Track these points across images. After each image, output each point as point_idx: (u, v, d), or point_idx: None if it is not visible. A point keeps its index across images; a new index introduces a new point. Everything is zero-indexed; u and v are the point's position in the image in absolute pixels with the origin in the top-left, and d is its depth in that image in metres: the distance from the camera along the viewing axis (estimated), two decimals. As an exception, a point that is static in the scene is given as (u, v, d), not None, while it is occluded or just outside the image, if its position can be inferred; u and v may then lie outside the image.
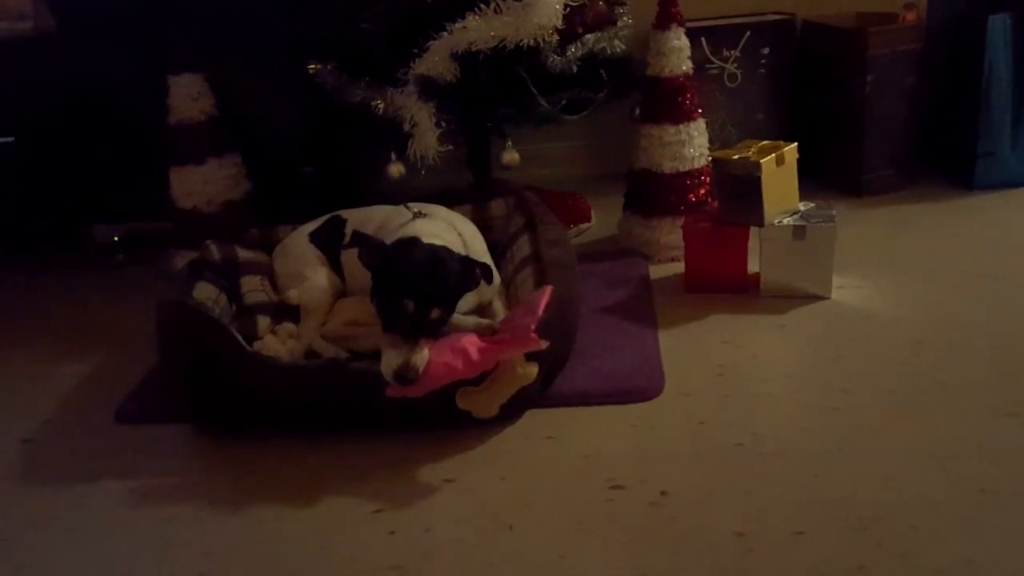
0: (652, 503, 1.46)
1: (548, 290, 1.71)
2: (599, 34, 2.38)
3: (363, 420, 1.72)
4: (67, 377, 2.08)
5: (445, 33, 2.15)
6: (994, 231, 2.44)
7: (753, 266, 2.17)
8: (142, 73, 2.58)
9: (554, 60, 2.27)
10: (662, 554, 1.34)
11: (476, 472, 1.59)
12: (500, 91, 2.31)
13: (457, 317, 1.78)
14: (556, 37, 2.21)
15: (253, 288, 2.08)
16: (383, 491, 1.55)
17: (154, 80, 2.47)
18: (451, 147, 2.24)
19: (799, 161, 2.17)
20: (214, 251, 2.09)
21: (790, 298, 2.11)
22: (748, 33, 2.81)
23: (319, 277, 2.02)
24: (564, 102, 2.37)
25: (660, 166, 2.40)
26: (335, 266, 2.07)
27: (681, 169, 2.39)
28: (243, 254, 2.15)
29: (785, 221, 2.10)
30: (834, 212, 2.12)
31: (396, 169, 2.35)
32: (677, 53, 2.37)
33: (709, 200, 2.40)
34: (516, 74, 2.24)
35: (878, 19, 2.76)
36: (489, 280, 1.80)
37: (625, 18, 2.48)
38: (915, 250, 2.36)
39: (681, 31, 2.38)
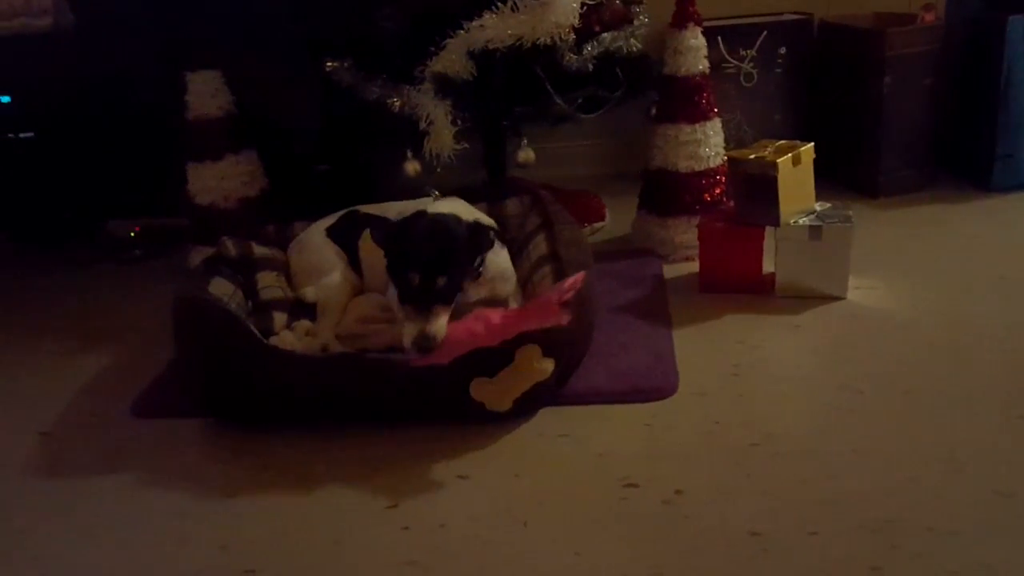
0: (666, 502, 1.46)
1: (581, 275, 1.71)
2: (616, 33, 2.38)
3: (378, 414, 1.73)
4: (84, 371, 2.10)
5: (462, 31, 2.15)
6: (1012, 233, 2.43)
7: (768, 266, 2.16)
8: (160, 70, 2.60)
9: (570, 59, 2.27)
10: (676, 552, 1.34)
11: (490, 469, 1.59)
12: (516, 89, 2.31)
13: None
14: (573, 36, 2.20)
15: (269, 284, 2.09)
16: (398, 487, 1.56)
17: (172, 77, 2.49)
18: (467, 145, 2.24)
19: (815, 162, 2.17)
20: (230, 247, 2.10)
21: (806, 299, 2.10)
22: (765, 33, 2.81)
23: (336, 274, 2.03)
24: (580, 101, 2.37)
25: (676, 165, 2.39)
26: (353, 262, 2.08)
27: (697, 168, 2.39)
28: (259, 250, 2.16)
29: (801, 221, 2.09)
30: (850, 213, 2.12)
31: (412, 167, 2.35)
32: (694, 52, 2.37)
33: (724, 200, 2.40)
34: (532, 72, 2.24)
35: (896, 19, 2.75)
36: (492, 244, 1.80)
37: (642, 17, 2.48)
38: (932, 252, 2.35)
39: (698, 30, 2.37)
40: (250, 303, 2.04)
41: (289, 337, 1.94)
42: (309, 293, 2.03)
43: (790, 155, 2.08)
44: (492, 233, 1.76)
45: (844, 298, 2.10)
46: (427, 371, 1.63)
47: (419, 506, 1.51)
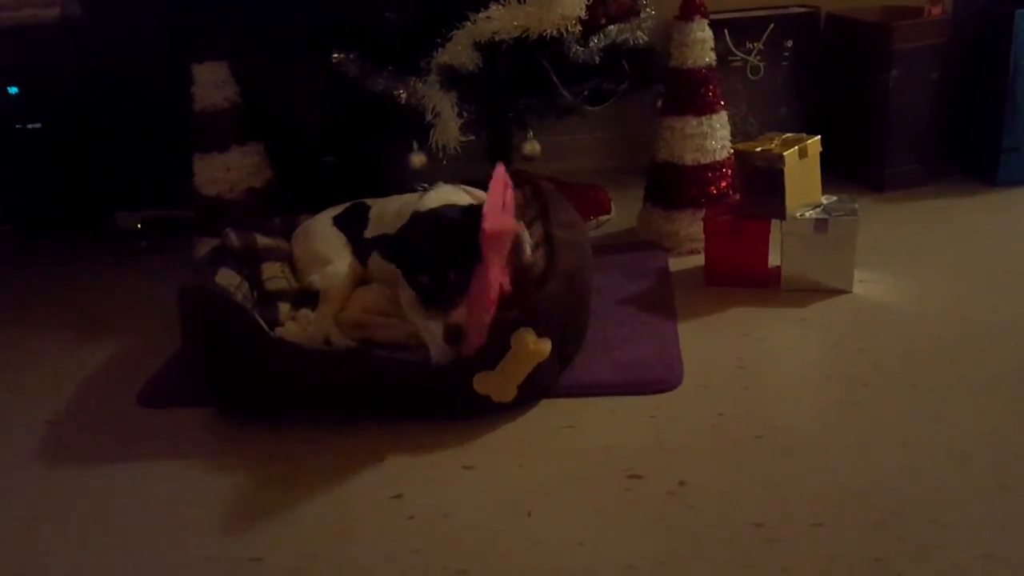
0: (671, 493, 1.46)
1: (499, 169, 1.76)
2: (622, 25, 2.37)
3: (383, 406, 1.73)
4: (90, 361, 2.11)
5: (468, 23, 2.15)
6: (1018, 227, 2.43)
7: (774, 259, 2.16)
8: (167, 60, 2.60)
9: (577, 51, 2.26)
10: (680, 543, 1.35)
11: (495, 459, 1.60)
12: (522, 81, 2.31)
13: None
14: (579, 28, 2.20)
15: (274, 275, 2.10)
16: (403, 477, 1.56)
17: (179, 68, 2.49)
18: (472, 137, 2.24)
19: (821, 155, 2.16)
20: (233, 239, 2.11)
21: (811, 292, 2.10)
22: (771, 26, 2.80)
23: (342, 262, 2.03)
24: (586, 93, 2.37)
25: (682, 158, 2.39)
26: (358, 252, 2.08)
27: (703, 161, 2.39)
28: (262, 241, 2.16)
29: (807, 214, 2.09)
30: (856, 206, 2.11)
31: (417, 159, 2.36)
32: (700, 45, 2.36)
33: (730, 193, 2.40)
34: (539, 64, 2.24)
35: (903, 13, 2.74)
36: None
37: (648, 9, 2.48)
38: (937, 246, 2.35)
39: (704, 23, 2.37)
40: (255, 294, 2.05)
41: (294, 328, 1.94)
42: (316, 281, 2.03)
43: (796, 148, 2.08)
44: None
45: (850, 292, 2.10)
46: (432, 370, 1.64)
47: (424, 496, 1.51)
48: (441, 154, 2.22)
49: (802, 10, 2.90)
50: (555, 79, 2.27)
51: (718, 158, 2.40)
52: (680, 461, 1.54)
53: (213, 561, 1.40)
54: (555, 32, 2.16)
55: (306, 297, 2.03)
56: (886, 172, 2.73)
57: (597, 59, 2.31)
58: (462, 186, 2.00)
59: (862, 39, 2.73)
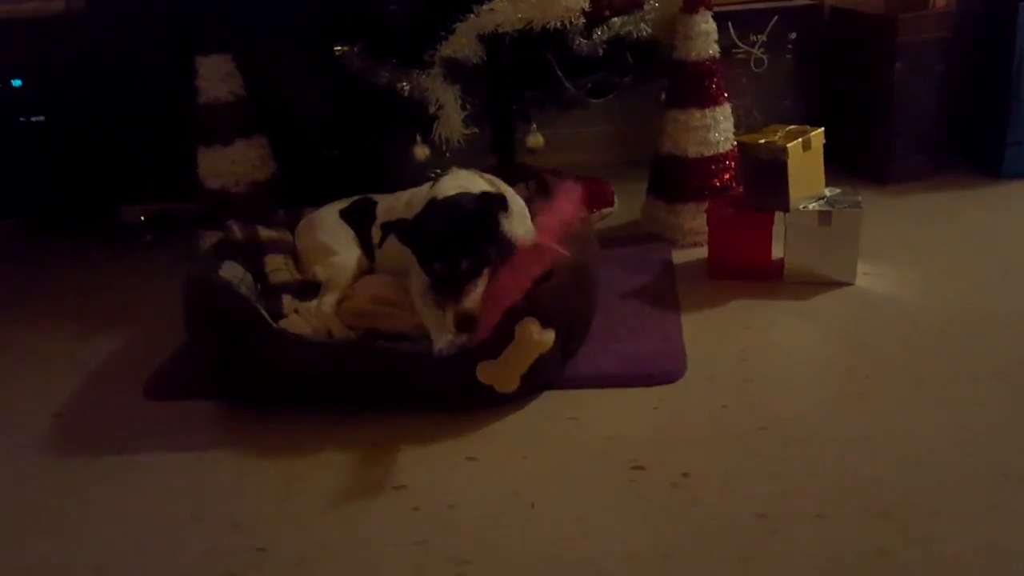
0: (674, 484, 1.47)
1: (572, 188, 1.76)
2: (626, 17, 2.37)
3: (387, 397, 1.74)
4: (95, 354, 2.11)
5: (472, 15, 2.15)
6: (1022, 221, 2.42)
7: (777, 252, 2.16)
8: (171, 53, 2.60)
9: (580, 43, 2.26)
10: (683, 534, 1.35)
11: (499, 451, 1.60)
12: (526, 74, 2.31)
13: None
14: (583, 20, 2.20)
15: (277, 267, 2.10)
16: (407, 468, 1.57)
17: (183, 61, 2.49)
18: (476, 130, 2.24)
19: (825, 148, 2.16)
20: (236, 231, 2.11)
21: (814, 284, 2.10)
22: (775, 18, 2.79)
23: (348, 254, 2.04)
24: (590, 86, 2.37)
25: (685, 151, 2.39)
26: (364, 246, 2.09)
27: (706, 154, 2.39)
28: (265, 233, 2.16)
29: (811, 206, 2.09)
30: (860, 198, 2.11)
31: (421, 151, 2.36)
32: (704, 37, 2.36)
33: (734, 185, 2.39)
34: (542, 57, 2.23)
35: (908, 6, 2.73)
36: (506, 208, 1.81)
37: (652, 1, 2.47)
38: (941, 238, 2.35)
39: (708, 15, 2.37)
40: (259, 286, 2.05)
41: (297, 321, 1.94)
42: (319, 272, 2.03)
43: (800, 140, 2.08)
44: (504, 199, 1.77)
45: (853, 284, 2.10)
46: (435, 360, 1.65)
47: (428, 487, 1.52)
48: (444, 147, 2.22)
49: (806, 2, 2.89)
50: (559, 72, 2.26)
51: (722, 150, 2.40)
52: (683, 453, 1.55)
53: (219, 551, 1.41)
54: (559, 24, 2.15)
55: (308, 289, 2.04)
56: (890, 165, 2.73)
57: (601, 52, 2.31)
58: (478, 172, 2.00)
59: (866, 32, 2.73)
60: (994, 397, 1.63)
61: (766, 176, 2.09)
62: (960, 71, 2.72)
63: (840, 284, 2.10)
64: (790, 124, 2.23)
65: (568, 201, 1.79)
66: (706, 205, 2.31)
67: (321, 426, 1.72)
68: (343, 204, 2.19)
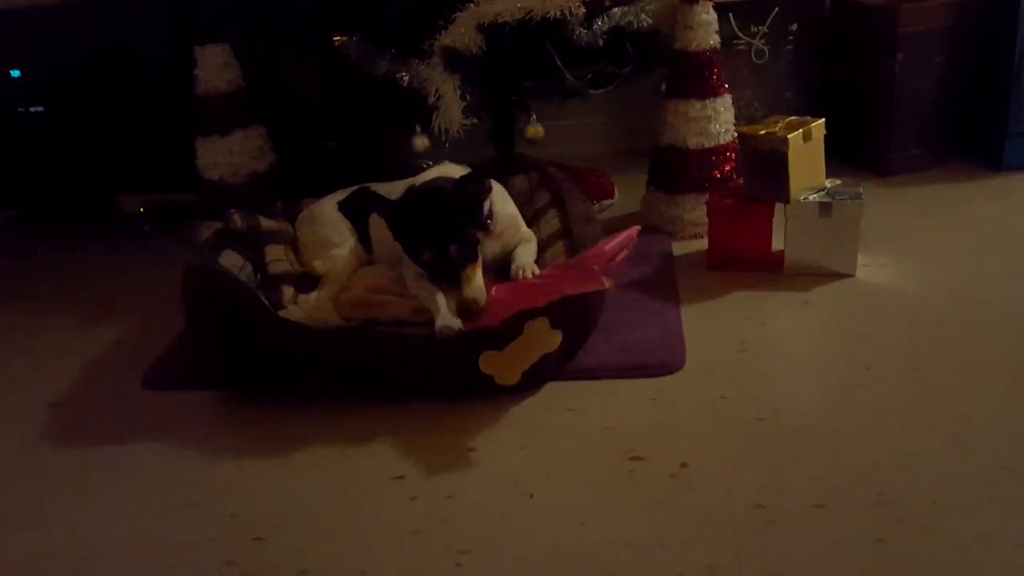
0: (672, 474, 1.46)
1: (635, 230, 1.75)
2: (626, 7, 2.36)
3: (387, 383, 1.73)
4: (93, 344, 2.11)
5: (471, 4, 2.14)
6: (1022, 212, 2.42)
7: (777, 243, 2.16)
8: (170, 44, 2.59)
9: (580, 33, 2.25)
10: (681, 524, 1.35)
11: (497, 441, 1.60)
12: (526, 64, 2.30)
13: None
14: (583, 10, 2.19)
15: (277, 258, 2.10)
16: (406, 458, 1.57)
17: (181, 51, 2.48)
18: (475, 120, 2.23)
19: (825, 139, 2.15)
20: (237, 220, 2.10)
21: (814, 276, 2.10)
22: (776, 9, 2.79)
23: (346, 247, 2.04)
24: (590, 76, 2.36)
25: (685, 142, 2.38)
26: (362, 239, 2.08)
27: (706, 145, 2.38)
28: (266, 223, 2.16)
29: (811, 198, 2.08)
30: (860, 190, 2.11)
31: (420, 142, 2.35)
32: (705, 27, 2.35)
33: (734, 177, 2.39)
34: (542, 47, 2.23)
35: (909, -5, 2.73)
36: (490, 189, 1.81)
37: (652, -8, 2.46)
38: (941, 230, 2.34)
39: (709, 5, 2.35)
40: (259, 276, 2.05)
41: (296, 311, 1.94)
42: (319, 266, 2.03)
43: (801, 131, 2.07)
44: (484, 182, 1.77)
45: (853, 275, 2.09)
46: (437, 344, 1.64)
47: (427, 477, 1.52)
48: (444, 137, 2.21)
49: (807, -7, 2.88)
50: (558, 62, 2.26)
51: (722, 142, 2.39)
52: (682, 443, 1.55)
53: (217, 541, 1.41)
54: (558, 14, 2.14)
55: (308, 281, 2.04)
56: (890, 156, 2.72)
57: (601, 42, 2.30)
58: (465, 166, 2.00)
59: (867, 22, 2.72)
60: (993, 388, 1.63)
61: (766, 167, 2.09)
62: (961, 62, 2.71)
63: (840, 276, 2.09)
64: (791, 115, 2.22)
65: (619, 244, 1.77)
66: (706, 196, 2.30)
67: (320, 416, 1.71)
68: (341, 196, 2.18)
